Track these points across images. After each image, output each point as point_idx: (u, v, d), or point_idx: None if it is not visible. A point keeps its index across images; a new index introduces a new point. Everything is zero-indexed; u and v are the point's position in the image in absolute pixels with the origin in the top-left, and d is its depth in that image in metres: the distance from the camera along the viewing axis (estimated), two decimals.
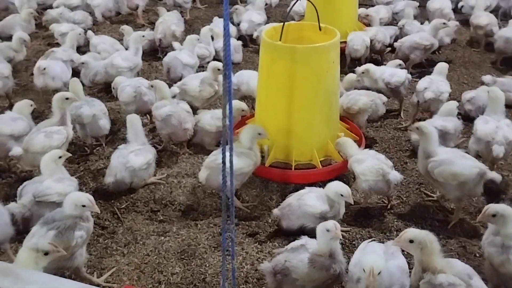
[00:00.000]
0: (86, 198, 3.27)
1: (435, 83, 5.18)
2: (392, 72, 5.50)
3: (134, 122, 4.48)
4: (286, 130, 4.44)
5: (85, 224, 3.31)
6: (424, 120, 4.79)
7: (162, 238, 3.91)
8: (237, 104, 4.90)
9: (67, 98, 4.52)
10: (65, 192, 3.68)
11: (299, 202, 3.76)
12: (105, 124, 4.92)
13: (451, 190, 3.89)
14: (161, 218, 4.14)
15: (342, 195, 3.67)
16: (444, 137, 4.44)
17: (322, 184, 4.27)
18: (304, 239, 3.25)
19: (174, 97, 5.20)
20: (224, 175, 2.18)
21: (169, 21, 7.25)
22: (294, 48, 4.27)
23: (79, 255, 3.32)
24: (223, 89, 1.99)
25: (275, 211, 3.84)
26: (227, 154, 2.25)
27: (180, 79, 5.80)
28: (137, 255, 3.73)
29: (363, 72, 5.49)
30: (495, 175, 3.87)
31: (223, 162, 2.17)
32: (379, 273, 2.74)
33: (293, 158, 4.47)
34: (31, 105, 4.78)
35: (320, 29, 4.71)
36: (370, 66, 5.59)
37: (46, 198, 3.66)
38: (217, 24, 7.37)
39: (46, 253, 2.77)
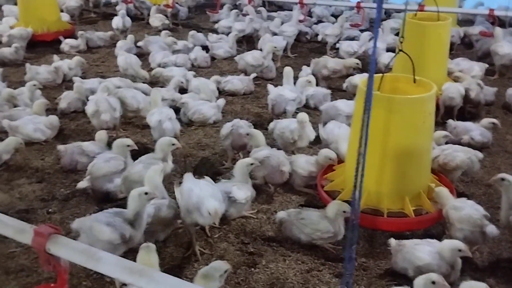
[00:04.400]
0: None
1: None
2: None
3: (243, 166, 4.66)
4: (378, 178, 4.51)
5: None
6: None
7: (252, 269, 4.10)
8: (325, 152, 5.10)
9: (173, 144, 4.88)
10: None
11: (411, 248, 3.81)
12: (167, 126, 5.55)
13: None
14: (251, 250, 4.33)
15: (460, 250, 3.66)
16: None
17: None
18: None
19: None
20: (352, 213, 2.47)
21: None
22: (392, 98, 4.42)
23: None
24: (362, 122, 2.18)
25: (393, 241, 3.91)
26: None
27: (284, 113, 6.25)
28: (229, 283, 3.93)
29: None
30: None
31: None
32: None
33: (385, 206, 4.51)
34: (128, 145, 5.02)
35: (414, 82, 4.82)
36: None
37: None
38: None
39: None
